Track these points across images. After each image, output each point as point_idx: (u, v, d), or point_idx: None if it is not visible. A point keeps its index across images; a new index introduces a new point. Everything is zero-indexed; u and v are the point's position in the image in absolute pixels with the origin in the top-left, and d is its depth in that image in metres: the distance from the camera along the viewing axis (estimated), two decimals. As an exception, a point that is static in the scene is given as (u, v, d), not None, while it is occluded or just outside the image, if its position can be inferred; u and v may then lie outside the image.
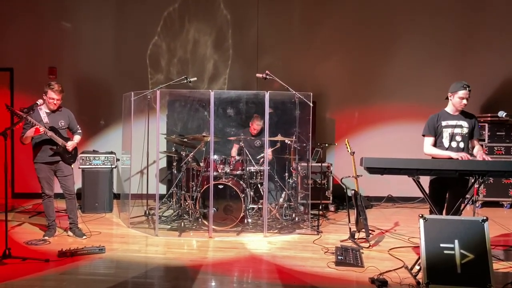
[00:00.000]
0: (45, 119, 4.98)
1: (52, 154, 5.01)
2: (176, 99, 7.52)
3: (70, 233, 5.29)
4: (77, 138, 5.28)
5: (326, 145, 7.04)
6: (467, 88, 4.25)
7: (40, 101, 4.79)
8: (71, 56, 7.79)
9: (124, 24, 7.84)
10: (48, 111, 5.05)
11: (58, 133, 5.05)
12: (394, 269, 4.11)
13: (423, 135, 4.50)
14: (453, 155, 4.17)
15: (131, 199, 6.31)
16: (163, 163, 7.70)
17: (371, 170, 3.85)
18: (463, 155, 4.12)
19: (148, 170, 6.52)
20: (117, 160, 6.88)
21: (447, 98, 4.42)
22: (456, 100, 4.32)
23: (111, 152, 6.88)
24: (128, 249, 4.88)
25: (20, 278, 3.90)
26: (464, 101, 4.29)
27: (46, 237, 5.08)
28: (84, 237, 5.20)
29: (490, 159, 4.10)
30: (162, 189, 7.45)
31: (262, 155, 6.29)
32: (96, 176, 6.69)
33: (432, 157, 4.38)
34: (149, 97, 5.96)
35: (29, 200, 7.26)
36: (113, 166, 6.79)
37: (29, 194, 7.48)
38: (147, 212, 6.35)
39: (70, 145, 5.10)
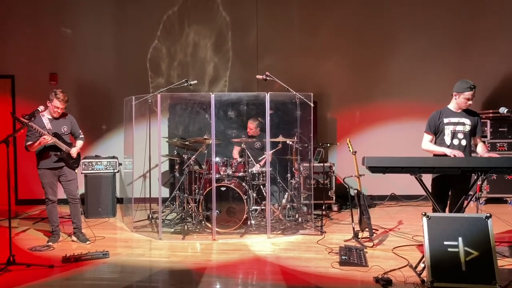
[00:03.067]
0: (48, 125, 5.01)
1: (56, 160, 5.04)
2: (177, 103, 7.53)
3: (74, 238, 5.29)
4: (79, 143, 5.31)
5: (328, 145, 7.03)
6: (474, 89, 4.24)
7: (41, 108, 4.81)
8: (72, 62, 7.81)
9: (124, 28, 7.86)
10: (50, 117, 5.07)
11: (62, 139, 5.07)
12: (399, 268, 4.10)
13: (425, 132, 4.51)
14: (448, 152, 4.19)
15: (134, 203, 6.32)
16: (165, 167, 7.71)
17: (373, 169, 3.85)
18: (457, 153, 4.13)
19: (151, 173, 6.52)
20: (120, 164, 6.89)
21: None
22: (462, 100, 4.30)
23: (113, 157, 6.89)
24: (132, 253, 4.89)
25: (25, 285, 3.91)
26: (470, 102, 4.29)
27: (50, 243, 5.09)
28: (88, 242, 5.20)
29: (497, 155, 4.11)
30: (165, 193, 7.45)
31: (263, 156, 6.30)
32: (98, 181, 6.70)
33: (434, 154, 4.39)
34: (150, 101, 5.97)
35: (33, 207, 7.27)
36: (115, 171, 6.80)
37: (33, 200, 7.50)
38: (150, 216, 6.35)
39: (74, 151, 5.14)
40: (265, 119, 5.41)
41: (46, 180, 5.07)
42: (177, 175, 6.47)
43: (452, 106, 4.41)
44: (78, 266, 4.39)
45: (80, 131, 5.38)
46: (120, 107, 6.39)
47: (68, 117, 5.25)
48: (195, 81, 6.03)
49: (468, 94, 4.25)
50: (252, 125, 6.47)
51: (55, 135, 4.99)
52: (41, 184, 5.09)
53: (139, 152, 6.19)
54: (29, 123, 4.67)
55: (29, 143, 4.91)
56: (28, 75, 7.74)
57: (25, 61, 7.75)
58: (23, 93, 7.71)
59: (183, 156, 6.15)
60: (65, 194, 5.22)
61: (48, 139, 4.83)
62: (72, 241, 5.28)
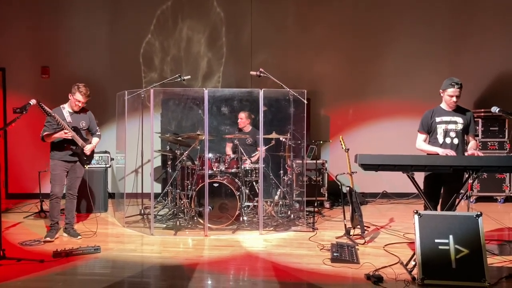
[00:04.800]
0: (68, 118, 5.01)
1: (70, 153, 5.02)
2: (170, 98, 7.50)
3: (64, 234, 5.25)
4: (95, 140, 5.29)
5: (321, 142, 7.04)
6: (456, 86, 4.24)
7: (33, 101, 4.70)
8: (64, 55, 7.74)
9: (117, 22, 7.80)
10: (71, 110, 5.06)
11: (80, 134, 5.07)
12: (390, 265, 4.12)
13: (418, 131, 4.53)
14: (440, 151, 4.22)
15: (126, 198, 6.29)
16: (157, 162, 7.68)
17: (366, 167, 3.86)
18: (448, 152, 4.17)
19: (143, 169, 6.50)
20: (112, 159, 6.85)
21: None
22: (446, 97, 4.34)
23: (105, 152, 6.84)
24: (123, 249, 4.87)
25: (15, 279, 3.87)
26: (454, 99, 4.30)
27: (48, 238, 5.00)
28: (79, 237, 5.16)
29: (481, 154, 4.15)
30: (157, 188, 7.43)
31: (255, 153, 6.30)
32: (90, 175, 6.63)
33: (427, 153, 4.41)
34: (142, 96, 5.94)
35: (23, 201, 7.20)
36: (107, 166, 6.77)
37: (23, 194, 7.43)
38: (142, 211, 6.33)
39: (88, 149, 5.11)
40: (258, 116, 5.40)
41: (57, 172, 5.02)
42: (170, 170, 6.45)
43: (444, 105, 4.44)
44: (69, 261, 4.35)
45: (98, 128, 5.36)
46: (113, 102, 6.35)
47: (88, 112, 5.25)
48: (189, 76, 5.99)
49: (451, 91, 4.27)
50: (242, 115, 6.48)
51: (74, 129, 4.99)
52: (50, 175, 5.05)
53: (131, 147, 6.15)
54: (53, 114, 4.69)
55: (47, 133, 4.88)
56: (20, 68, 7.67)
57: (17, 53, 7.67)
58: (14, 86, 7.63)
59: (176, 151, 6.13)
60: (66, 188, 5.18)
61: (68, 134, 4.83)
62: (63, 236, 5.24)
